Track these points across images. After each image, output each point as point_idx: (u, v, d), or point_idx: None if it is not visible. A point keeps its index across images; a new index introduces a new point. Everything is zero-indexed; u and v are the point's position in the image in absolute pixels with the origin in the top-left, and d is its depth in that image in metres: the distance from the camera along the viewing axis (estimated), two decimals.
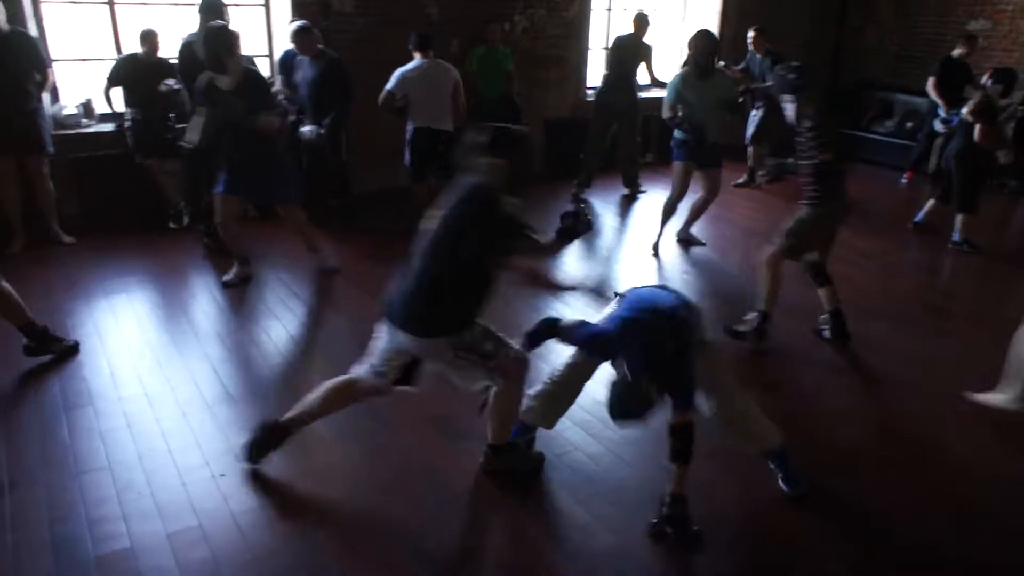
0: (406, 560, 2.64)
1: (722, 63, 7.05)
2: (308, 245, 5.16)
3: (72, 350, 3.97)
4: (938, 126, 7.77)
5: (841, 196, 4.22)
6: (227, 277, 4.87)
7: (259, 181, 4.73)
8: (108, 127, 6.02)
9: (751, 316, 4.35)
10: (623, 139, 7.20)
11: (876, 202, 7.74)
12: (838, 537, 2.84)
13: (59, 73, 5.91)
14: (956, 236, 6.16)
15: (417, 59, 5.85)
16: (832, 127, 4.11)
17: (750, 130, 7.74)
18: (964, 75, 7.61)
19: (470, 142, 2.87)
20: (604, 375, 3.99)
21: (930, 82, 7.75)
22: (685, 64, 5.87)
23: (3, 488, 2.92)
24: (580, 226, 5.46)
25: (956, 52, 7.73)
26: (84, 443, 3.24)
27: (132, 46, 5.76)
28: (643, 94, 7.44)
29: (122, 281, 4.97)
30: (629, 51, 6.92)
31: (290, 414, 3.04)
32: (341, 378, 3.02)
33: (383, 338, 2.89)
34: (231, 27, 5.12)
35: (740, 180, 7.96)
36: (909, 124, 8.87)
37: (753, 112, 7.74)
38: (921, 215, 6.64)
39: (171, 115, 5.59)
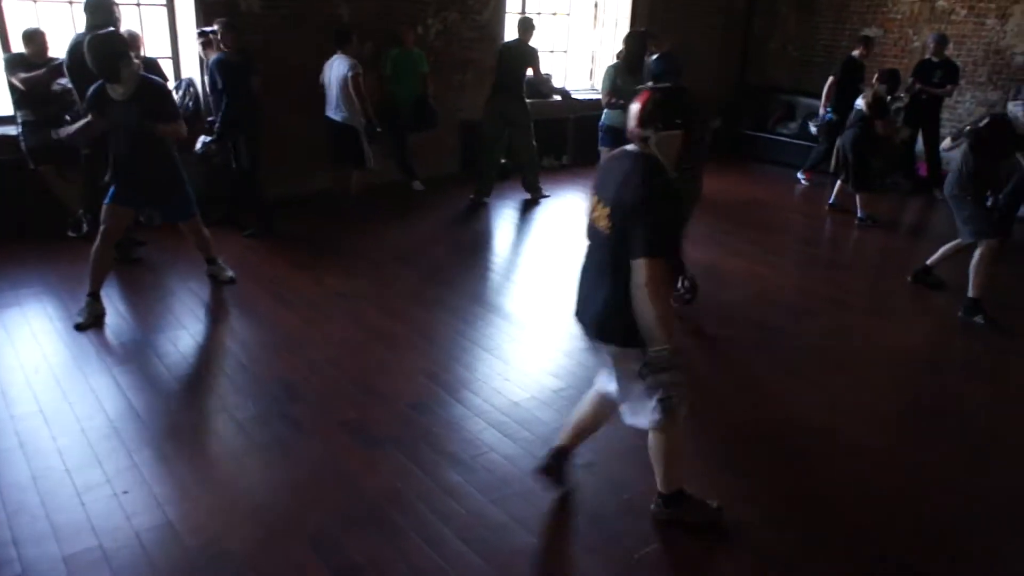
0: (322, 571, 2.59)
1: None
2: (206, 258, 4.97)
3: None
4: (811, 127, 8.73)
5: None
6: (79, 319, 4.33)
7: (153, 193, 4.49)
8: None
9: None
10: (519, 145, 7.18)
11: (781, 201, 8.08)
12: (750, 531, 2.95)
13: None
14: (860, 214, 7.12)
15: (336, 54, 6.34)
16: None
17: None
18: (860, 75, 8.05)
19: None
20: (531, 382, 4.03)
21: (829, 80, 8.18)
22: (619, 56, 6.17)
23: None
24: None
25: (855, 53, 8.18)
26: None
27: (20, 45, 5.45)
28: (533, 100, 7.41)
29: (15, 294, 4.70)
30: (515, 57, 6.83)
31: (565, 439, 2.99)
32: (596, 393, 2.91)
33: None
34: (122, 32, 4.89)
35: None
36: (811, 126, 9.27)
37: None
38: (833, 196, 7.45)
39: (67, 116, 5.31)
